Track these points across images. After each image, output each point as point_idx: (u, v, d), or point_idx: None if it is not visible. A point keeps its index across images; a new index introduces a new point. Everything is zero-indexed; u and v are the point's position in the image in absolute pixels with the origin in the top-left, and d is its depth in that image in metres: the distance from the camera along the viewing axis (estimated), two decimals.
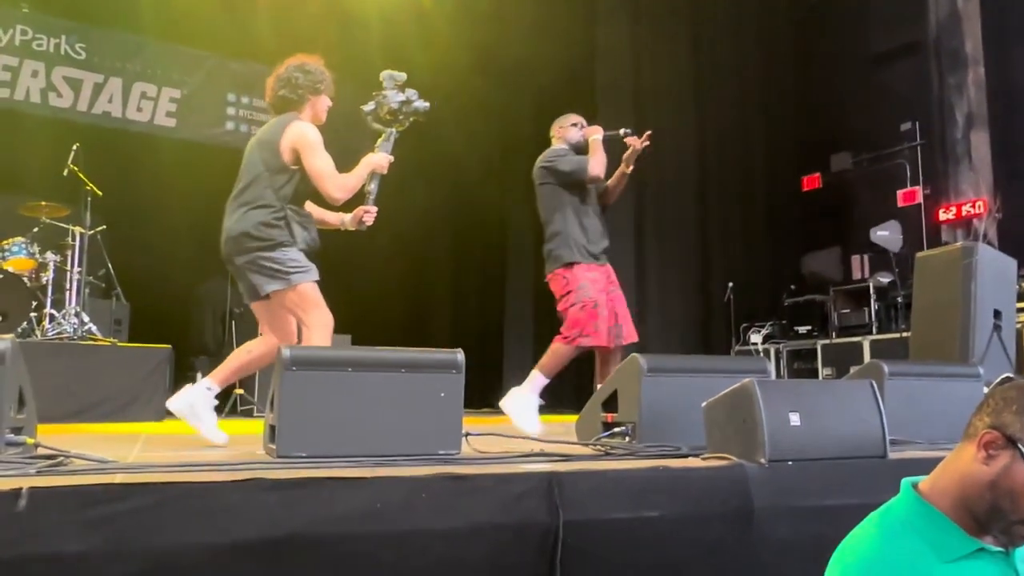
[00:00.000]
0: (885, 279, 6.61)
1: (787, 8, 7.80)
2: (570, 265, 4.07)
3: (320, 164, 3.17)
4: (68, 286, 5.74)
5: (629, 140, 4.15)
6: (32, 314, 5.40)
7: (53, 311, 5.57)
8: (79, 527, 1.56)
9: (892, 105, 7.32)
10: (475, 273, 9.22)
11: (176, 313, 7.66)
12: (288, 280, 3.12)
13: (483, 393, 6.41)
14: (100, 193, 5.90)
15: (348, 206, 3.54)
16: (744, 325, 7.17)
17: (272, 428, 2.46)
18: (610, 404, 2.86)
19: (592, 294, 3.97)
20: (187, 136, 8.35)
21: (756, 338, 6.93)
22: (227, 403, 6.33)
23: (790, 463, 2.17)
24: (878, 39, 7.51)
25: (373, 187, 3.43)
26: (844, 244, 7.37)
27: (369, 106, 3.46)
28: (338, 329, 7.28)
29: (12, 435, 2.09)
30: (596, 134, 4.19)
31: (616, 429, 2.75)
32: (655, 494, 1.99)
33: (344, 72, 9.34)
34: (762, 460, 2.15)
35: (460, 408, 2.48)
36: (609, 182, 4.29)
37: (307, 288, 3.15)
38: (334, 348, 2.75)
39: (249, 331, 6.59)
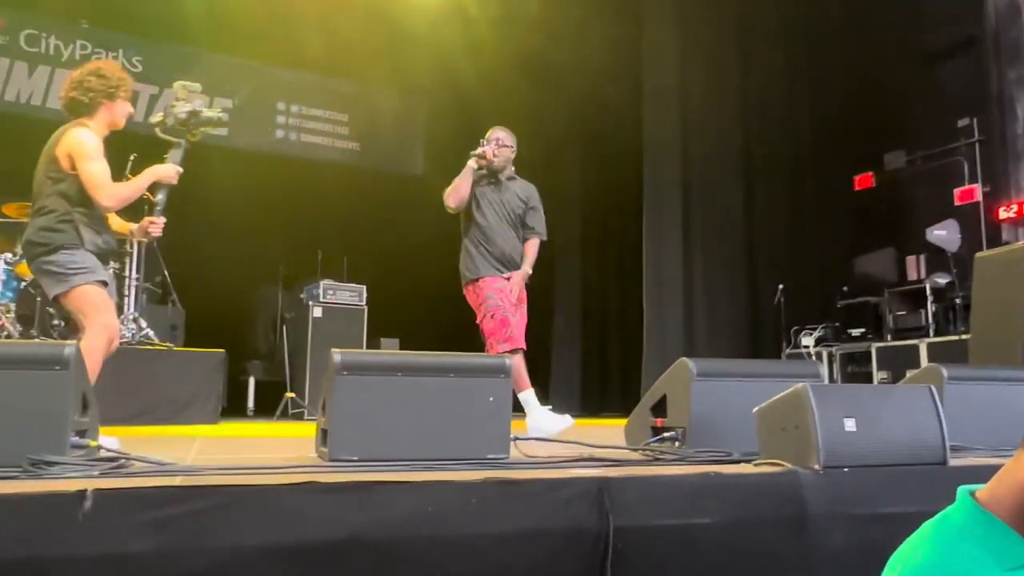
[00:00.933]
0: (942, 280, 6.43)
1: (838, 3, 7.63)
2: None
3: (92, 171, 3.15)
4: (126, 292, 5.91)
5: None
6: None
7: None
8: (142, 528, 1.60)
9: (948, 101, 7.11)
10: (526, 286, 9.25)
11: (229, 318, 7.83)
12: (69, 282, 3.09)
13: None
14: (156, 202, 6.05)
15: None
16: (795, 328, 7.04)
17: (324, 432, 2.50)
18: (659, 409, 2.83)
19: (500, 302, 4.23)
20: (238, 145, 8.54)
21: (807, 341, 6.80)
22: (279, 406, 6.45)
23: (845, 470, 2.12)
24: (933, 32, 7.31)
25: (160, 198, 3.45)
26: (899, 244, 7.18)
27: (157, 117, 3.46)
28: (386, 333, 7.37)
29: (76, 438, 2.16)
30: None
31: (665, 434, 2.73)
32: (707, 500, 1.96)
33: (391, 78, 9.51)
34: (816, 466, 2.10)
35: (509, 413, 2.49)
36: None
37: (86, 290, 3.10)
38: (384, 353, 2.78)
39: (300, 335, 6.72)
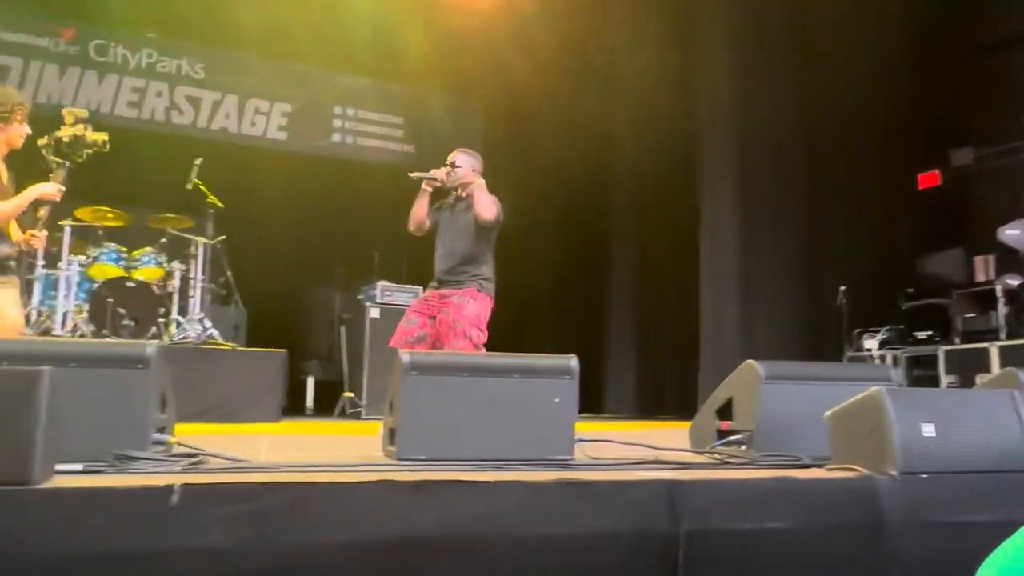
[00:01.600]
0: (1014, 281, 6.20)
1: None
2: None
3: None
4: (192, 293, 6.08)
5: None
6: (160, 320, 5.75)
7: (179, 317, 5.91)
8: (224, 522, 1.65)
9: (1019, 95, 6.86)
10: (577, 281, 9.22)
11: (288, 318, 8.00)
12: None
13: (588, 400, 6.39)
14: (221, 205, 6.23)
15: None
16: (857, 331, 6.87)
17: (391, 431, 2.54)
18: (725, 412, 2.80)
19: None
20: (297, 149, 8.73)
21: (871, 344, 6.62)
22: (337, 406, 6.56)
23: (924, 476, 2.07)
24: (1002, 25, 7.06)
25: (44, 213, 3.63)
26: (967, 244, 6.95)
27: (43, 140, 3.63)
28: None
29: (157, 434, 2.24)
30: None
31: (732, 437, 2.69)
32: (780, 505, 1.93)
33: (445, 81, 9.56)
34: (893, 472, 2.05)
35: (574, 414, 2.49)
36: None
37: None
38: (451, 353, 2.80)
39: (358, 335, 6.82)
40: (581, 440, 2.54)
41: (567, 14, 7.83)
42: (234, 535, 1.64)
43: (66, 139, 3.61)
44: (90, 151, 3.70)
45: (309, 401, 7.13)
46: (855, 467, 2.14)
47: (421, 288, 6.94)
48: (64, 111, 3.70)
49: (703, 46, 7.43)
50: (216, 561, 1.63)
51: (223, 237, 6.38)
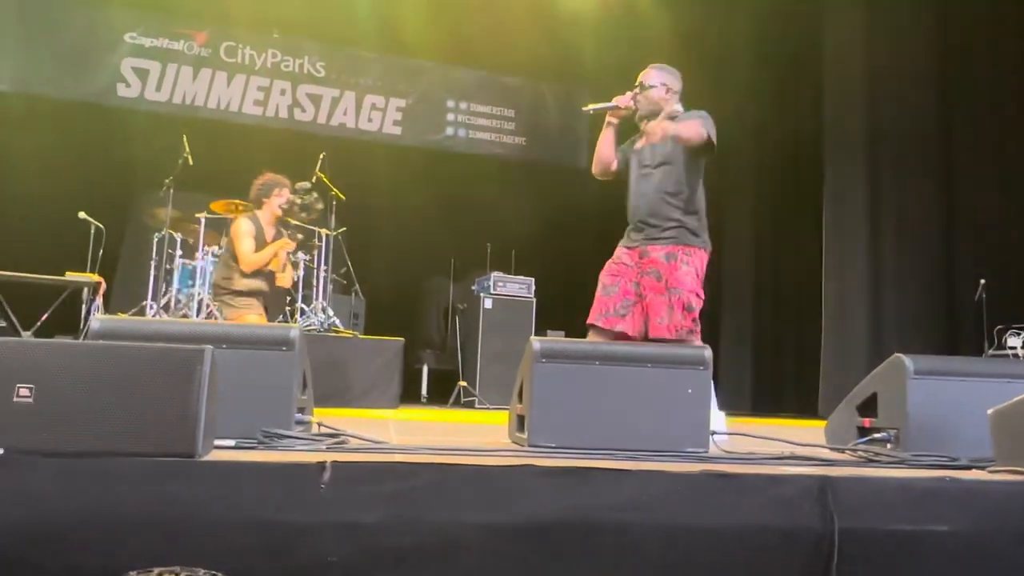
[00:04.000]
0: None
1: None
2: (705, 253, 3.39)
3: None
4: (315, 283, 6.32)
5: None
6: (287, 308, 6.00)
7: (303, 306, 6.15)
8: (371, 499, 1.69)
9: None
10: None
11: (404, 308, 8.19)
12: None
13: None
14: (344, 197, 6.44)
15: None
16: (999, 327, 6.38)
17: (520, 418, 2.54)
18: (867, 408, 2.65)
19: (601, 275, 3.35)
20: (411, 142, 8.91)
21: (1015, 342, 6.14)
22: (452, 394, 6.67)
23: None
24: None
25: (282, 259, 5.10)
26: None
27: (280, 212, 5.09)
28: (552, 325, 7.43)
29: (299, 415, 2.32)
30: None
31: (876, 435, 2.55)
32: (942, 507, 1.81)
33: (556, 72, 9.54)
34: None
35: (708, 406, 2.43)
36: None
37: None
38: (582, 342, 2.78)
39: (471, 325, 6.91)
40: (714, 433, 2.47)
41: (680, 3, 7.66)
42: (381, 512, 1.68)
43: (299, 203, 5.13)
44: (314, 216, 5.35)
45: (423, 389, 7.28)
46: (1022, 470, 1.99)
47: (533, 280, 6.99)
48: (298, 185, 5.26)
49: (830, 21, 7.06)
50: (364, 536, 1.67)
51: (343, 229, 6.59)
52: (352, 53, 8.78)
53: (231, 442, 2.03)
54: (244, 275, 4.84)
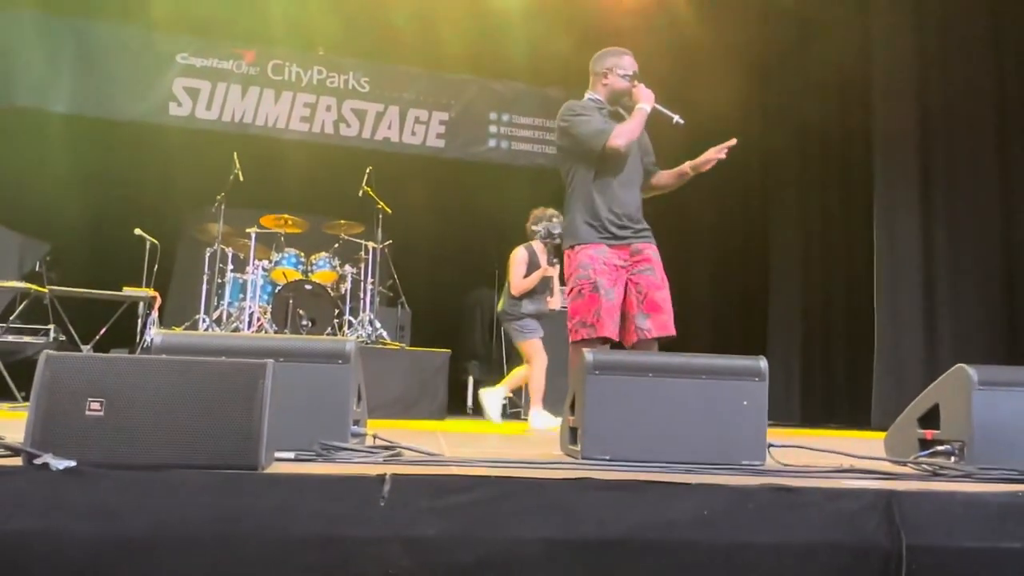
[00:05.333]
0: None
1: None
2: (573, 247, 3.38)
3: None
4: (362, 295, 6.40)
5: (710, 156, 3.48)
6: (335, 320, 6.09)
7: (351, 318, 6.24)
8: (430, 513, 1.69)
9: None
10: (735, 277, 8.88)
11: (449, 319, 8.25)
12: None
13: None
14: (390, 211, 6.53)
15: None
16: None
17: (572, 430, 2.53)
18: (929, 420, 2.58)
19: (591, 274, 3.27)
20: (454, 155, 9.00)
21: None
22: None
23: None
24: None
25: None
26: None
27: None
28: None
29: (355, 427, 2.35)
30: (645, 102, 3.44)
31: (939, 448, 2.48)
32: (1016, 523, 1.75)
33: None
34: None
35: (764, 418, 2.39)
36: (662, 176, 3.63)
37: None
38: (634, 353, 2.77)
39: None
40: (771, 445, 2.43)
41: (721, 2, 7.59)
42: (441, 526, 1.68)
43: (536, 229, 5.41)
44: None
45: (469, 400, 7.30)
46: None
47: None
48: (543, 212, 5.47)
49: (878, 34, 6.92)
50: (424, 551, 1.68)
51: (389, 242, 6.68)
52: (395, 68, 8.91)
53: (290, 454, 2.05)
54: (516, 299, 5.34)
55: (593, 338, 3.21)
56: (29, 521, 1.59)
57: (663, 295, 3.30)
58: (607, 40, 8.07)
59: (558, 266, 5.08)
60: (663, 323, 3.26)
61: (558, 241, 4.68)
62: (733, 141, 3.47)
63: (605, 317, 3.20)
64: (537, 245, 5.42)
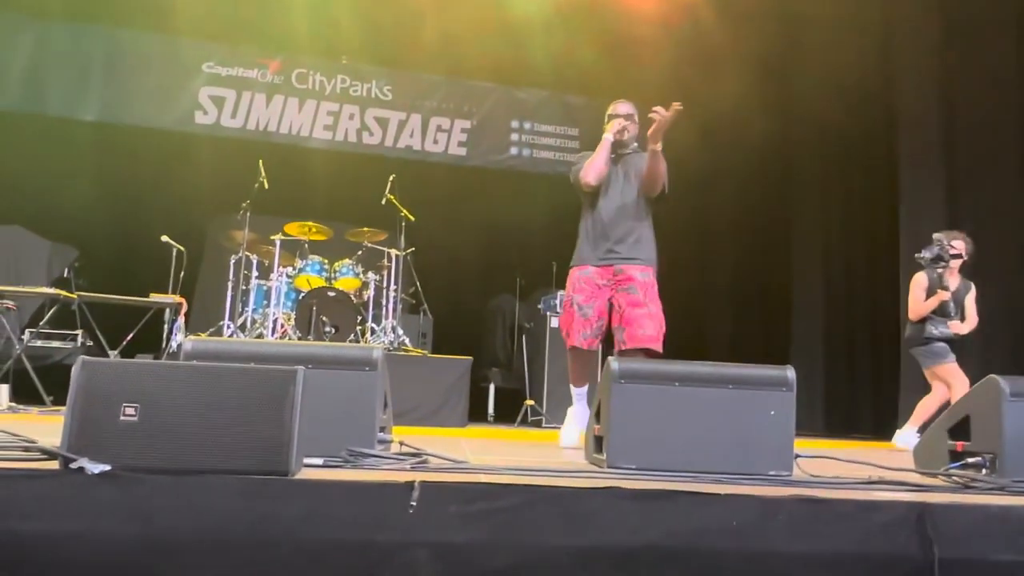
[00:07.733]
0: None
1: None
2: (571, 268, 3.93)
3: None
4: (385, 302, 6.43)
5: (653, 112, 3.62)
6: (358, 327, 6.12)
7: (373, 325, 6.27)
8: (461, 520, 1.71)
9: None
10: (756, 286, 8.82)
11: (471, 327, 8.26)
12: None
13: None
14: (413, 218, 6.56)
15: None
16: None
17: (598, 439, 2.53)
18: (959, 431, 2.55)
19: (571, 292, 3.81)
20: (476, 163, 9.01)
21: None
22: (519, 413, 6.67)
23: None
24: None
25: None
26: None
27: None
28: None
29: (382, 434, 2.36)
30: (608, 133, 3.91)
31: (969, 460, 2.45)
32: None
33: (620, 90, 9.48)
34: None
35: (792, 428, 2.37)
36: (644, 167, 3.83)
37: None
38: (660, 362, 2.76)
39: (538, 344, 6.92)
40: (799, 456, 2.42)
41: (743, 13, 7.56)
42: (470, 533, 1.69)
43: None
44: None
45: (491, 407, 7.30)
46: None
47: None
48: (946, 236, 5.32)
49: (901, 51, 6.86)
50: (452, 557, 1.69)
51: (412, 249, 6.70)
52: (417, 76, 8.96)
53: (319, 460, 2.07)
54: (918, 324, 5.28)
55: (570, 346, 3.78)
56: (65, 524, 1.62)
57: (642, 311, 3.64)
58: (629, 47, 8.17)
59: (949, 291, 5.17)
60: (637, 336, 3.63)
61: (945, 264, 5.02)
62: (677, 104, 3.59)
63: (575, 330, 3.73)
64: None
